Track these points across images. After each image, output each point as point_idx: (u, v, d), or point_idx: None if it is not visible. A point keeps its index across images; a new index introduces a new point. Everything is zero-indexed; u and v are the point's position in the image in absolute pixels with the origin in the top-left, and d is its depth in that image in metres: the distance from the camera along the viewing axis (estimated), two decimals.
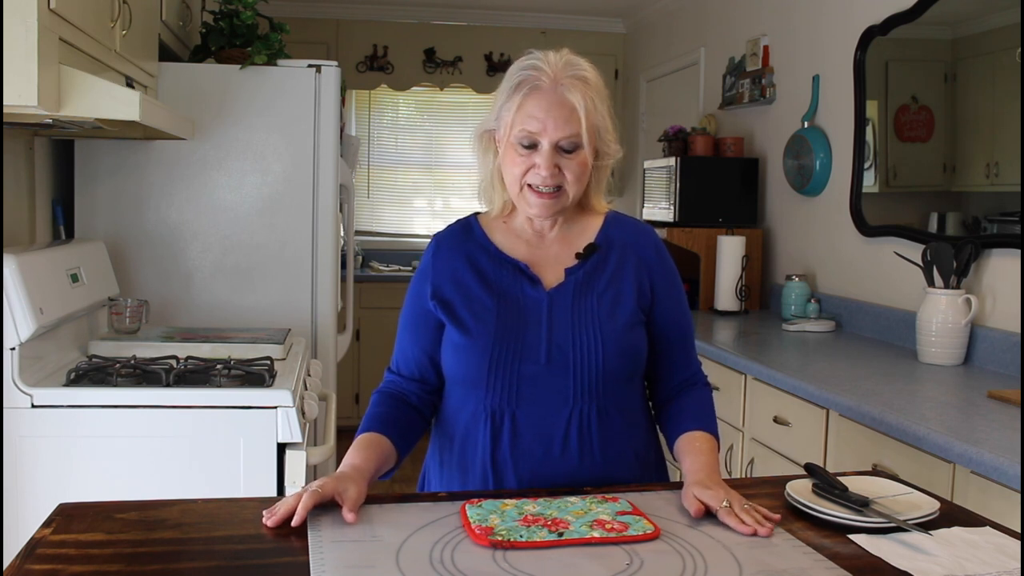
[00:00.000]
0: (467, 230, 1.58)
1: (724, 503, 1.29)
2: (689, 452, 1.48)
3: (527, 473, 1.46)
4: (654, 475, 1.58)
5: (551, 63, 1.45)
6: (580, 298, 1.50)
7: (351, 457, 1.41)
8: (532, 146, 1.45)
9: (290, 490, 2.09)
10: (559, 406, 1.46)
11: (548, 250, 1.54)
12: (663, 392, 1.60)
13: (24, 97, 1.80)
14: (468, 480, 1.49)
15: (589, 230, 1.57)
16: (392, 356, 1.62)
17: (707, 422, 1.54)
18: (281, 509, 1.24)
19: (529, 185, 1.46)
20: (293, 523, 1.22)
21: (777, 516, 1.29)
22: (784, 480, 1.43)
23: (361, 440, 1.46)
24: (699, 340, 3.12)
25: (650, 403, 1.62)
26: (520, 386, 1.46)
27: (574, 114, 1.43)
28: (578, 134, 1.44)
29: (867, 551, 1.20)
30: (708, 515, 1.30)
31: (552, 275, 1.52)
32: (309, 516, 1.26)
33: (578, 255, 1.53)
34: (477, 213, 1.61)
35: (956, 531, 1.27)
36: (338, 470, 1.38)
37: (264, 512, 1.26)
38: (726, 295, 3.77)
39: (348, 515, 1.25)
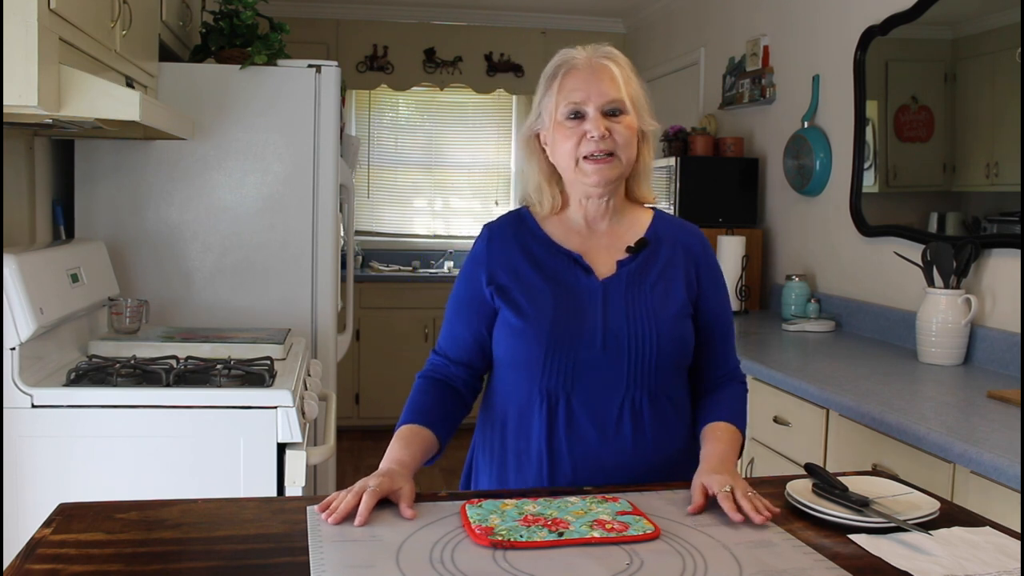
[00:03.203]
0: (520, 221, 1.61)
1: (726, 488, 1.31)
2: (709, 440, 1.52)
3: (581, 457, 1.48)
4: (693, 464, 1.59)
5: (580, 50, 1.54)
6: (633, 288, 1.53)
7: (395, 452, 1.44)
8: (579, 116, 1.50)
9: (290, 490, 2.09)
10: (613, 392, 1.49)
11: (599, 241, 1.58)
12: (701, 385, 1.63)
13: (24, 97, 1.80)
14: (522, 464, 1.52)
15: (638, 224, 1.60)
16: (439, 339, 1.64)
17: (736, 416, 1.58)
18: (342, 507, 1.25)
19: (584, 157, 1.50)
20: (356, 524, 1.23)
21: (777, 509, 1.30)
22: (784, 480, 1.43)
23: (404, 432, 1.49)
24: None
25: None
26: (576, 371, 1.49)
27: (614, 81, 1.51)
28: (621, 99, 1.50)
29: (867, 551, 1.20)
30: (709, 514, 1.31)
31: (604, 266, 1.55)
32: (309, 516, 1.26)
33: (629, 249, 1.56)
34: (527, 206, 1.63)
35: (956, 531, 1.27)
36: (384, 466, 1.40)
37: (316, 507, 1.27)
38: None
39: (408, 512, 1.27)
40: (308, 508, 1.30)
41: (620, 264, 1.55)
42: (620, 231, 1.59)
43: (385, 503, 1.31)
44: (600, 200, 1.56)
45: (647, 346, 1.50)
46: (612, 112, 1.50)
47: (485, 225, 1.63)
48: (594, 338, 1.49)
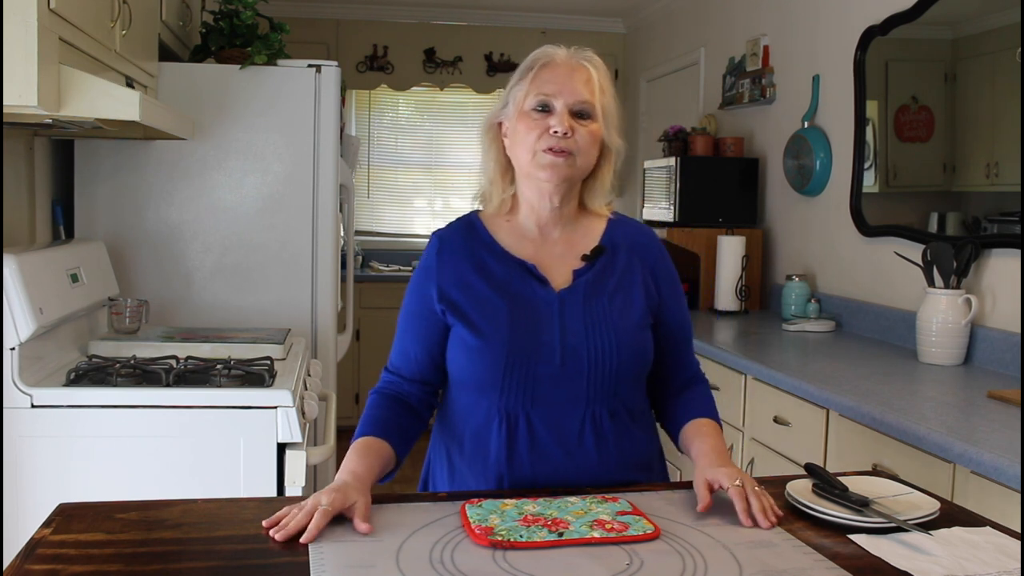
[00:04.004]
0: (470, 228, 1.56)
1: (736, 482, 1.31)
2: (697, 437, 1.49)
3: (544, 474, 1.45)
4: (659, 475, 1.59)
5: (562, 49, 1.50)
6: (591, 300, 1.49)
7: (351, 463, 1.39)
8: (546, 110, 1.46)
9: (290, 490, 2.09)
10: (573, 407, 1.46)
11: (553, 250, 1.53)
12: (666, 391, 1.60)
13: (24, 97, 1.80)
14: (481, 483, 1.47)
15: (593, 232, 1.56)
16: (390, 356, 1.59)
17: (712, 412, 1.56)
18: (291, 525, 1.21)
19: (542, 149, 1.45)
20: (303, 540, 1.20)
21: (780, 512, 1.30)
22: (784, 480, 1.43)
23: (360, 445, 1.44)
24: (699, 340, 3.12)
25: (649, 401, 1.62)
26: (535, 388, 1.45)
27: (589, 84, 1.47)
28: (592, 102, 1.46)
29: (867, 551, 1.20)
30: (710, 514, 1.31)
31: (559, 276, 1.51)
32: None
33: (585, 257, 1.52)
34: (478, 211, 1.60)
35: (956, 531, 1.27)
36: (339, 478, 1.35)
37: (264, 522, 1.24)
38: (726, 295, 3.77)
39: (362, 526, 1.23)
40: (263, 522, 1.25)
41: (576, 274, 1.51)
42: (574, 239, 1.54)
43: (387, 504, 1.31)
44: (551, 204, 1.50)
45: (607, 360, 1.45)
46: (580, 113, 1.46)
47: (434, 233, 1.56)
48: (552, 354, 1.45)
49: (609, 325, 1.47)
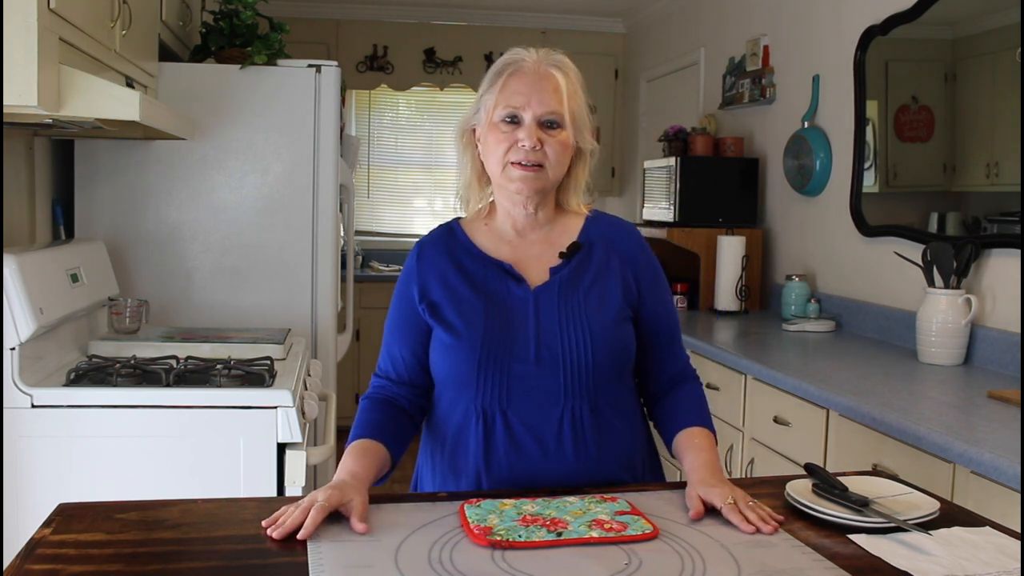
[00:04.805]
0: (450, 233, 1.58)
1: (729, 500, 1.30)
2: (689, 449, 1.48)
3: (522, 473, 1.45)
4: (649, 474, 1.58)
5: (532, 52, 1.50)
6: (566, 295, 1.49)
7: (349, 464, 1.40)
8: (515, 122, 1.47)
9: (290, 490, 2.09)
10: (551, 404, 1.45)
11: (530, 250, 1.54)
12: (654, 388, 1.59)
13: (24, 97, 1.80)
14: (461, 482, 1.48)
15: (570, 230, 1.57)
16: (378, 361, 1.60)
17: (703, 417, 1.54)
18: (288, 522, 1.22)
19: (512, 162, 1.47)
20: (300, 536, 1.20)
21: (781, 517, 1.29)
22: (784, 480, 1.43)
23: (356, 447, 1.45)
24: (699, 340, 3.12)
25: (641, 399, 1.62)
26: (510, 385, 1.45)
27: (557, 92, 1.47)
28: (560, 112, 1.47)
29: (867, 551, 1.20)
30: (708, 514, 1.31)
31: (536, 275, 1.52)
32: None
33: (562, 254, 1.53)
34: (458, 218, 1.61)
35: (956, 531, 1.27)
36: (336, 478, 1.36)
37: (263, 522, 1.24)
38: (726, 295, 3.77)
39: (359, 526, 1.23)
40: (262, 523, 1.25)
41: (553, 271, 1.51)
42: (552, 238, 1.55)
43: (385, 503, 1.31)
44: (526, 211, 1.52)
45: (582, 355, 1.45)
46: (549, 124, 1.46)
47: (417, 242, 1.60)
48: (527, 351, 1.45)
49: (584, 320, 1.47)
